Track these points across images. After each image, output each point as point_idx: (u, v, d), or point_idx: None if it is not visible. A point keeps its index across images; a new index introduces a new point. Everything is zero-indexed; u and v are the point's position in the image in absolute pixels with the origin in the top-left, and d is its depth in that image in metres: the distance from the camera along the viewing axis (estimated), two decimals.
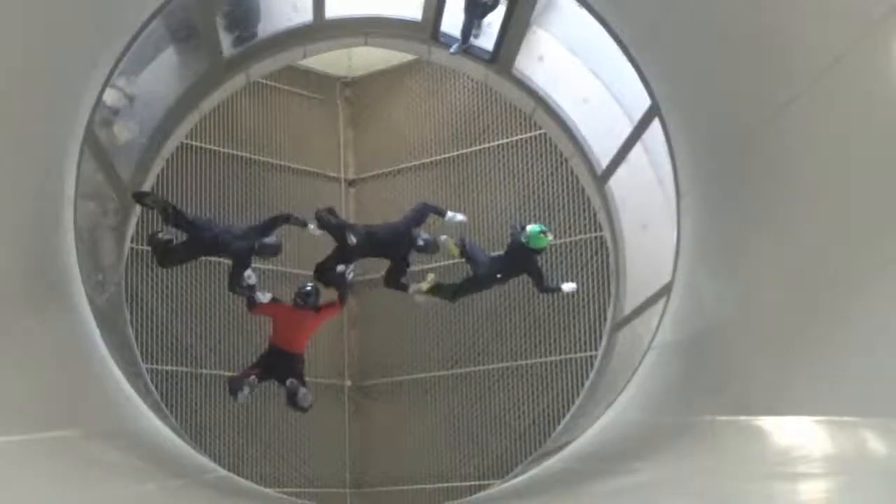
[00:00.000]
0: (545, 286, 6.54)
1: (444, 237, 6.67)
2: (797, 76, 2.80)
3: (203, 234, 5.97)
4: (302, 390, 5.87)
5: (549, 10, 7.53)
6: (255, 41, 7.31)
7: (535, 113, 7.83)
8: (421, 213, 6.49)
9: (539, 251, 6.32)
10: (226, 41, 7.10)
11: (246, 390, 5.84)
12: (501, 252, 6.75)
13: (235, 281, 6.04)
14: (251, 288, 6.04)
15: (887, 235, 2.24)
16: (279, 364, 5.98)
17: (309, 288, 6.03)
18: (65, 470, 2.89)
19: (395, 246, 6.41)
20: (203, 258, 6.96)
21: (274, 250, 6.14)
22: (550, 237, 6.36)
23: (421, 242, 6.35)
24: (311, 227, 6.28)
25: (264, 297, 6.09)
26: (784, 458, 2.40)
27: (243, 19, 7.21)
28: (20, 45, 3.07)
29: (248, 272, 5.98)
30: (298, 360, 6.09)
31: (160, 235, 6.05)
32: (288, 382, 5.86)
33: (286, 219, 6.24)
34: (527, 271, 6.48)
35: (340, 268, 6.24)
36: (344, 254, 6.28)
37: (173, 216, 5.92)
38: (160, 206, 5.97)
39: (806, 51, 2.74)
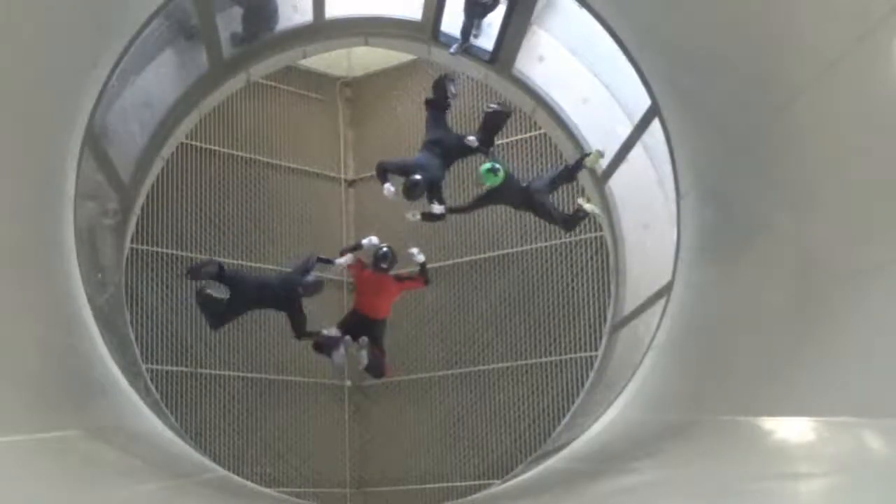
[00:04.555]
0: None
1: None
2: (797, 76, 2.80)
3: (246, 290, 6.15)
4: (363, 352, 6.11)
5: (549, 10, 7.53)
6: (255, 41, 7.32)
7: (535, 113, 7.83)
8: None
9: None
10: (235, 39, 7.13)
11: (342, 350, 6.09)
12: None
13: (300, 331, 6.20)
14: (316, 334, 6.21)
15: (887, 235, 2.24)
16: (361, 328, 6.18)
17: (384, 250, 6.19)
18: (65, 470, 2.89)
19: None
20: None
21: (316, 287, 6.20)
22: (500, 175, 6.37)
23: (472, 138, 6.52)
24: (339, 260, 6.43)
25: (330, 330, 6.21)
26: (784, 458, 2.40)
27: (259, 19, 7.22)
28: (20, 44, 3.07)
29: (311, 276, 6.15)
30: (380, 325, 6.31)
31: (209, 292, 6.16)
32: (360, 340, 6.11)
33: (315, 260, 6.38)
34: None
35: (419, 256, 6.40)
36: (405, 168, 6.45)
37: (218, 274, 6.08)
38: (214, 271, 6.10)
39: (806, 51, 2.74)
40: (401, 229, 8.51)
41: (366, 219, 9.21)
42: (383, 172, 6.50)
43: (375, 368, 6.36)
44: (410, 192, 6.25)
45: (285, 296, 6.13)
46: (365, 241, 6.46)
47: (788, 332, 2.79)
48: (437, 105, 6.69)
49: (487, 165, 6.39)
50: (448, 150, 6.56)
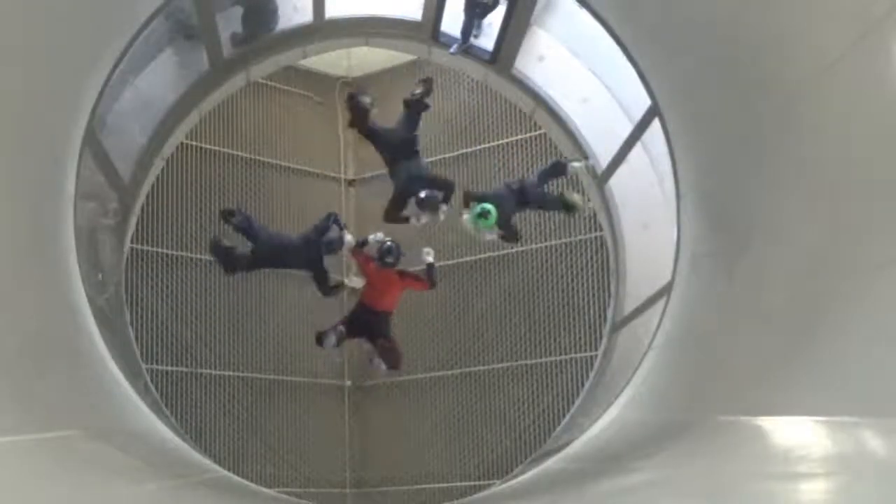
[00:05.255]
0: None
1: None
2: (797, 76, 2.80)
3: (270, 249, 6.19)
4: (375, 360, 6.30)
5: (549, 10, 7.53)
6: (254, 41, 7.32)
7: (535, 113, 7.83)
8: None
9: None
10: (235, 39, 7.14)
11: (332, 337, 6.12)
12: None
13: (325, 289, 6.29)
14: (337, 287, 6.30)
15: (887, 235, 2.24)
16: (365, 320, 6.28)
17: (389, 244, 6.18)
18: (65, 470, 2.88)
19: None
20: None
21: (337, 245, 6.28)
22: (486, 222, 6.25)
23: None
24: (348, 237, 6.43)
25: (353, 280, 6.39)
26: (784, 458, 2.39)
27: (259, 19, 7.23)
28: (20, 44, 3.07)
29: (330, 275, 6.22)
30: (384, 317, 6.35)
31: (224, 243, 6.25)
32: (367, 350, 6.29)
33: (334, 219, 6.39)
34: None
35: (427, 257, 6.37)
36: (402, 195, 6.44)
37: (247, 227, 6.16)
38: (244, 223, 6.19)
39: (806, 51, 2.74)
40: (402, 228, 8.52)
41: (366, 218, 9.19)
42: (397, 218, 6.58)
43: (390, 360, 6.38)
44: (425, 206, 6.34)
45: (308, 256, 6.19)
46: (371, 237, 6.46)
47: (788, 332, 2.79)
48: (361, 126, 6.60)
49: (476, 210, 6.19)
50: (406, 146, 6.48)
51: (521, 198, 6.53)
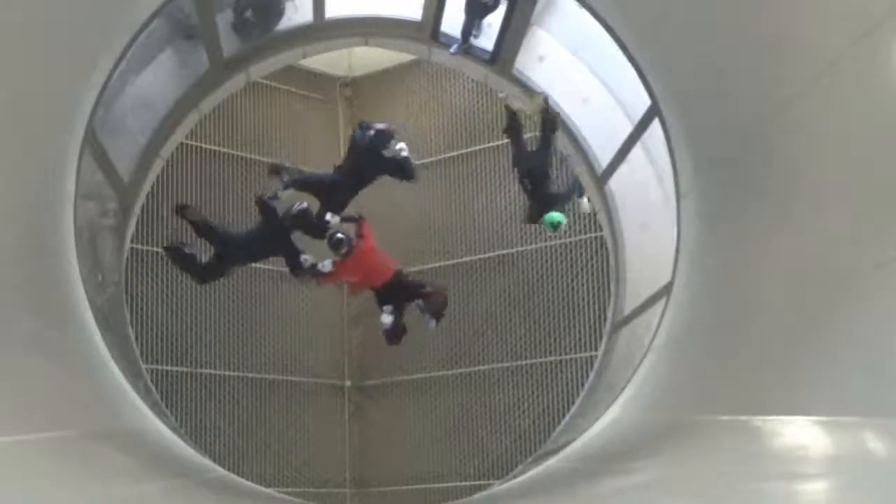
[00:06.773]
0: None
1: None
2: (797, 76, 2.81)
3: (237, 249, 6.09)
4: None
5: (549, 10, 7.52)
6: (254, 41, 7.32)
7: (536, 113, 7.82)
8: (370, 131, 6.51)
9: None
10: (235, 40, 7.13)
11: (391, 319, 6.19)
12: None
13: (295, 268, 6.16)
14: (313, 266, 6.12)
15: (888, 234, 2.24)
16: (391, 293, 6.23)
17: (340, 236, 6.01)
18: (65, 470, 2.89)
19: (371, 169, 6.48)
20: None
21: (304, 215, 6.11)
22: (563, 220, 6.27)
23: (388, 154, 6.43)
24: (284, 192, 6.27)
25: (325, 266, 6.13)
26: (784, 458, 2.40)
27: (264, 17, 7.23)
28: (20, 44, 3.07)
29: (304, 257, 6.12)
30: (398, 279, 6.28)
31: (186, 249, 6.12)
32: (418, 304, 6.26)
33: (261, 200, 6.18)
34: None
35: (328, 217, 6.22)
36: (328, 202, 6.31)
37: (206, 230, 6.04)
38: (200, 220, 6.08)
39: (806, 51, 2.74)
40: (401, 229, 8.53)
41: (365, 218, 9.21)
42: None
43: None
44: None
45: (275, 244, 6.11)
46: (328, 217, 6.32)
47: (788, 331, 2.79)
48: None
49: (554, 223, 6.21)
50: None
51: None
